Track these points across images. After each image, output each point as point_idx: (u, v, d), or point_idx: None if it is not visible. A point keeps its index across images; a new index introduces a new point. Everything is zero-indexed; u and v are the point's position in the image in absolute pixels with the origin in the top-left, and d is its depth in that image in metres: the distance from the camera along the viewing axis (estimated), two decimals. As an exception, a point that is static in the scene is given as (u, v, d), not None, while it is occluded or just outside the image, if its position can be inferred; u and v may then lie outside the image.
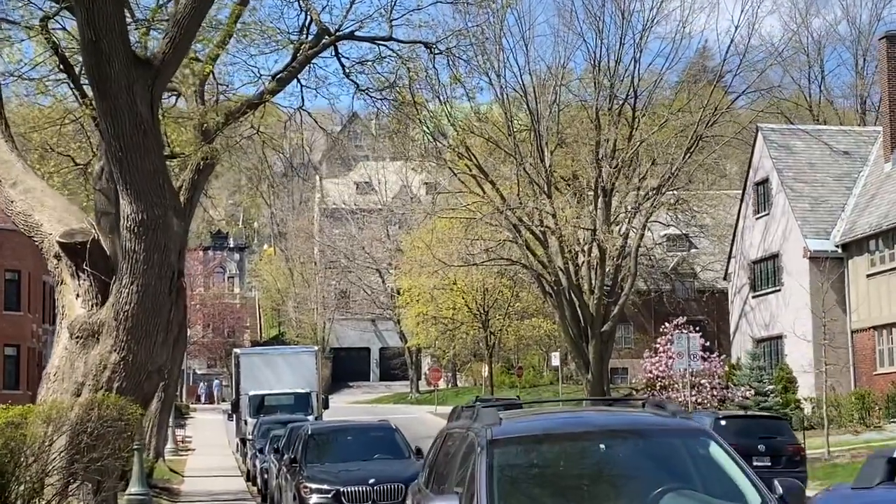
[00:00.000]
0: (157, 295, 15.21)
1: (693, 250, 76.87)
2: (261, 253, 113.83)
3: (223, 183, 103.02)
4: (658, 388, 41.39)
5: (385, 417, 23.83)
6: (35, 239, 16.53)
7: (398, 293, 79.89)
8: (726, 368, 42.90)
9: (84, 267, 15.88)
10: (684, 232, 69.16)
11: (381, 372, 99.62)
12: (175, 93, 33.76)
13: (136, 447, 23.33)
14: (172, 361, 33.36)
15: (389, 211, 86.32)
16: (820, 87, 64.71)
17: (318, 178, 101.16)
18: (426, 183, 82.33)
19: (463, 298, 66.04)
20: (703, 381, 38.07)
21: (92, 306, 15.95)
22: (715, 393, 39.88)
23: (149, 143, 14.66)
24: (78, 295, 16.04)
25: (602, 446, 7.89)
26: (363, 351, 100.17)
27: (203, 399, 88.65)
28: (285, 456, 21.58)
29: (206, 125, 30.02)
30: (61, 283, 16.28)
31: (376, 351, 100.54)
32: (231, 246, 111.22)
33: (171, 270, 15.27)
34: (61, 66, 25.15)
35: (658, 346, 42.40)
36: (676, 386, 40.51)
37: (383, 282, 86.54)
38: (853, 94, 66.04)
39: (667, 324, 43.17)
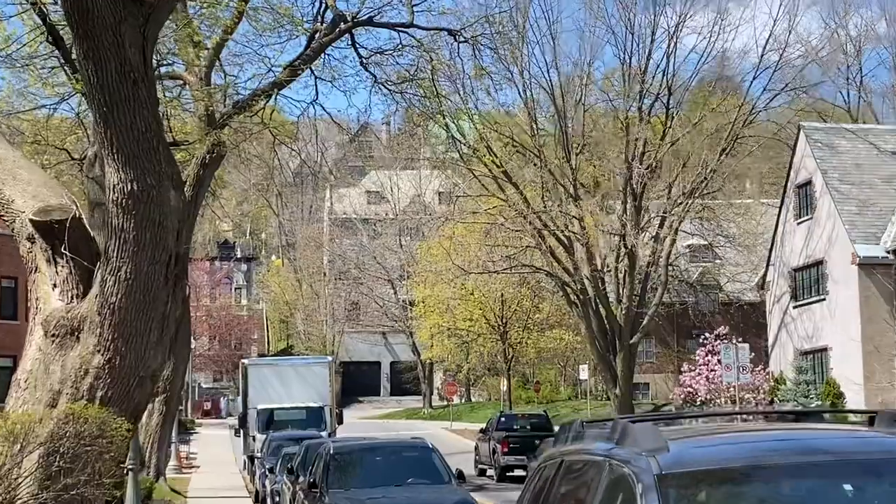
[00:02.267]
0: (150, 283, 12.41)
1: (717, 261, 74.16)
2: (269, 264, 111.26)
3: (230, 193, 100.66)
4: (698, 403, 38.54)
5: (419, 434, 20.92)
6: (5, 218, 13.76)
7: (411, 305, 77.34)
8: (772, 382, 40.01)
9: (62, 251, 13.10)
10: (710, 241, 66.17)
11: (391, 386, 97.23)
12: (180, 81, 31.30)
13: (130, 467, 20.58)
14: (175, 371, 30.64)
15: (405, 215, 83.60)
16: (859, 88, 61.92)
17: (328, 186, 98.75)
18: (440, 192, 79.80)
19: (481, 309, 63.22)
20: (747, 396, 35.13)
21: (71, 298, 13.15)
22: (761, 409, 36.97)
23: (140, 95, 11.89)
24: (55, 285, 13.25)
25: (847, 487, 5.05)
26: (374, 365, 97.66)
27: (223, 413, 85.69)
28: (301, 478, 18.83)
29: (212, 109, 27.50)
30: (35, 272, 13.50)
31: (387, 365, 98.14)
32: (238, 256, 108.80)
33: (168, 254, 12.48)
34: (50, 38, 22.52)
35: (698, 357, 39.54)
36: (718, 401, 37.67)
37: (395, 293, 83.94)
38: (893, 94, 63.26)
39: (707, 334, 40.34)
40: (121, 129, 11.85)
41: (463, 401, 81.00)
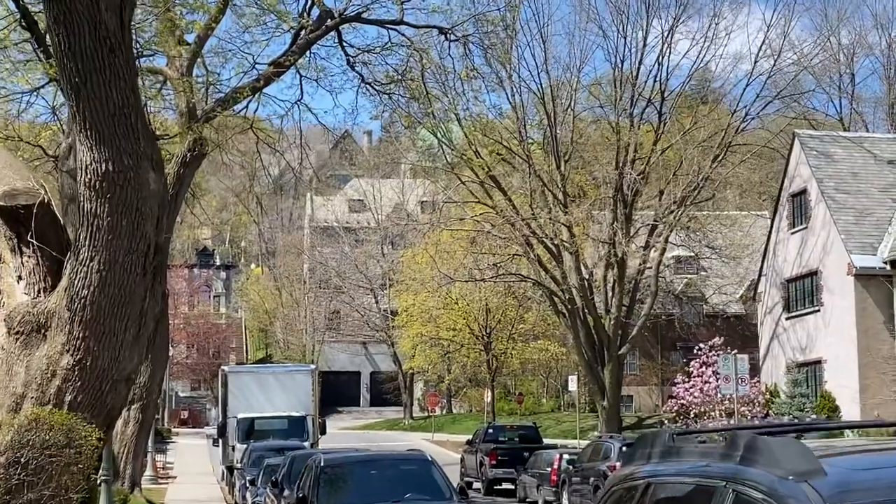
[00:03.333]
0: (125, 275, 11.20)
1: (702, 273, 73.32)
2: (248, 272, 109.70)
3: (210, 198, 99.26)
4: (692, 416, 37.39)
5: (400, 446, 19.66)
6: (-34, 203, 12.47)
7: (393, 314, 76.09)
8: (767, 395, 38.92)
9: (29, 239, 11.85)
10: (695, 253, 65.21)
11: (371, 397, 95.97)
12: (160, 77, 30.12)
13: (103, 477, 19.32)
14: (152, 377, 29.32)
15: (389, 221, 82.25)
16: (851, 97, 60.94)
17: (309, 193, 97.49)
18: (423, 201, 78.63)
19: (465, 319, 61.94)
20: (742, 409, 33.92)
21: (38, 291, 11.92)
22: (756, 423, 35.83)
23: (116, 64, 10.71)
24: (20, 277, 12.01)
25: None
26: (353, 375, 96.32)
27: (213, 423, 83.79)
28: (286, 491, 17.63)
29: (193, 103, 26.38)
30: (-1, 262, 12.22)
31: (367, 375, 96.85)
32: (217, 264, 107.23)
33: (146, 243, 11.26)
34: (23, 24, 21.33)
35: (692, 370, 38.39)
36: (712, 414, 36.54)
37: (377, 302, 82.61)
38: (886, 103, 62.30)
39: (702, 345, 39.19)
40: (94, 101, 10.66)
41: (444, 412, 79.73)
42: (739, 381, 29.89)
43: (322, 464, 14.80)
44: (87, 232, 11.05)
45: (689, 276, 72.91)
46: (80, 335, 11.19)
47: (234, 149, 37.29)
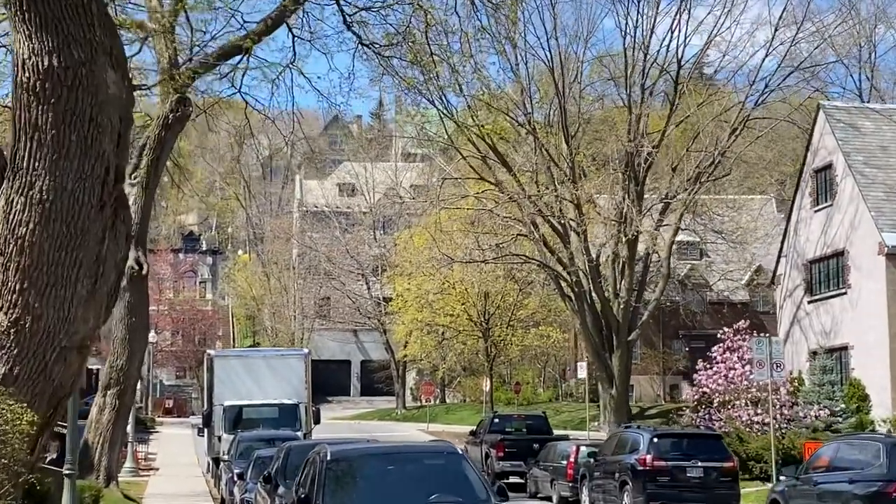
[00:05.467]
0: (77, 208, 8.51)
1: (706, 258, 71.11)
2: (235, 258, 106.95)
3: (195, 185, 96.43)
4: (715, 405, 34.85)
5: (396, 436, 16.94)
6: None
7: (386, 301, 73.58)
8: (795, 384, 36.39)
9: (-46, 164, 9.10)
10: (701, 237, 62.78)
11: (362, 386, 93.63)
12: (141, 34, 27.51)
13: (67, 471, 16.78)
14: (130, 360, 26.67)
15: (385, 198, 79.46)
16: (871, 72, 58.41)
17: (297, 176, 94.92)
18: (415, 185, 76.10)
19: (462, 304, 59.28)
20: (769, 398, 31.17)
21: (-36, 231, 9.15)
22: (785, 412, 33.31)
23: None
24: (-58, 213, 9.24)
25: None
26: (343, 364, 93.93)
27: None
28: (281, 488, 15.10)
29: (175, 52, 23.88)
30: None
31: (357, 364, 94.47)
32: (203, 249, 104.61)
33: (104, 166, 8.56)
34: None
35: (714, 354, 35.85)
36: (737, 403, 33.97)
37: (368, 289, 79.99)
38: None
39: (726, 329, 36.59)
40: (34, -29, 7.96)
41: (437, 402, 77.28)
42: (774, 366, 27.32)
43: (329, 458, 11.94)
44: (26, 150, 8.35)
45: (692, 261, 70.69)
46: (17, 287, 8.49)
47: (221, 115, 34.93)
